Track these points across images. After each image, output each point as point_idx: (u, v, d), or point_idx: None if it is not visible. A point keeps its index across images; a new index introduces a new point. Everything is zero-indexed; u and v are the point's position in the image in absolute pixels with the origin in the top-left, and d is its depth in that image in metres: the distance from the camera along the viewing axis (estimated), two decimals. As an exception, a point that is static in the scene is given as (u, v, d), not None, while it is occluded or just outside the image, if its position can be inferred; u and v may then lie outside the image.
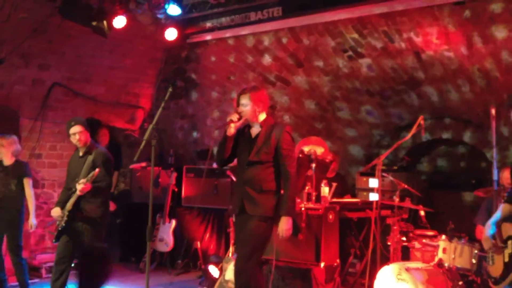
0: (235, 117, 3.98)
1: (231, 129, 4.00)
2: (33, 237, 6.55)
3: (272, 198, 3.95)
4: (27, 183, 5.39)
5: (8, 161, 5.36)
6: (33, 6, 5.68)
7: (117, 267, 6.94)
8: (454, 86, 6.03)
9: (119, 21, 5.92)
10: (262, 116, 4.09)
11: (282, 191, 3.98)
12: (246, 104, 4.01)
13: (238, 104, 4.05)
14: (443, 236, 4.78)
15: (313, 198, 5.14)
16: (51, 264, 5.58)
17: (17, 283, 5.38)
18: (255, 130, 4.10)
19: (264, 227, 3.92)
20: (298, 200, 5.13)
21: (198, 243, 6.74)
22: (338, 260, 5.08)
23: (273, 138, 3.98)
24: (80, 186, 4.50)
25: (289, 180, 3.92)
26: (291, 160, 3.98)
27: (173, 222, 6.64)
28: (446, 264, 4.62)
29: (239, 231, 4.09)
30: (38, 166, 6.54)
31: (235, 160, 4.25)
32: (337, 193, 5.51)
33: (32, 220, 5.41)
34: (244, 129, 4.16)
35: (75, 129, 4.68)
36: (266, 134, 4.01)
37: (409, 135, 5.27)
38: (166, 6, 6.04)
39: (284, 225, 3.91)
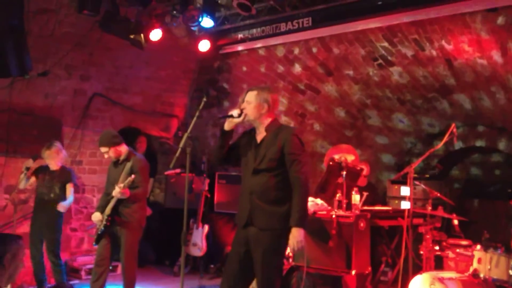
0: (235, 112, 3.62)
1: (229, 124, 3.64)
2: (74, 240, 6.66)
3: (285, 208, 3.52)
4: (69, 188, 5.52)
5: (54, 166, 5.53)
6: (75, 21, 5.85)
7: (151, 270, 7.01)
8: (488, 93, 5.86)
9: (155, 34, 6.04)
10: (268, 120, 3.67)
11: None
12: (251, 101, 3.63)
13: (243, 100, 3.69)
14: (478, 246, 4.59)
15: (344, 205, 5.05)
16: (90, 266, 5.70)
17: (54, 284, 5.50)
18: (260, 135, 3.69)
19: (280, 242, 3.52)
20: (329, 208, 5.06)
21: (230, 248, 6.72)
22: (369, 268, 4.97)
23: (279, 143, 3.55)
24: (118, 191, 4.61)
25: (299, 187, 3.49)
26: (301, 165, 3.52)
27: (206, 227, 6.66)
28: (481, 275, 4.43)
29: (242, 245, 3.61)
30: (79, 172, 6.66)
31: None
32: (367, 202, 5.41)
33: (63, 204, 5.48)
34: (250, 133, 3.76)
35: (102, 149, 4.90)
36: (271, 139, 3.60)
37: (441, 143, 5.16)
38: (200, 19, 6.08)
39: (296, 237, 3.45)
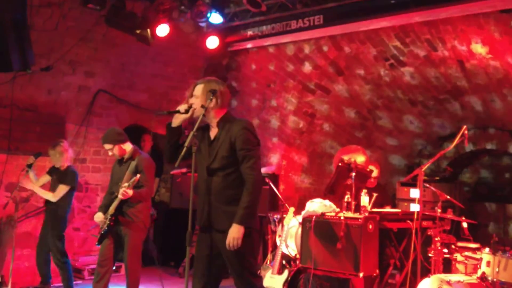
0: (182, 108, 3.46)
1: (176, 120, 3.48)
2: (76, 240, 6.69)
3: None
4: (60, 188, 5.41)
5: (60, 166, 5.52)
6: (80, 16, 5.87)
7: (155, 271, 7.05)
8: (499, 96, 5.90)
9: (162, 30, 6.02)
10: (220, 114, 3.50)
11: None
12: (198, 95, 3.48)
13: (191, 95, 3.53)
14: (487, 249, 4.65)
15: (353, 207, 5.10)
16: (93, 266, 5.64)
17: (61, 284, 5.53)
18: (213, 130, 3.54)
19: (247, 242, 3.39)
20: (337, 209, 5.11)
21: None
22: (377, 271, 5.01)
23: (229, 139, 3.41)
24: (122, 191, 4.60)
25: (248, 184, 3.36)
26: (252, 161, 3.39)
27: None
28: (489, 278, 4.49)
29: (205, 248, 3.54)
30: (82, 170, 6.66)
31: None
32: (377, 204, 5.46)
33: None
34: (204, 129, 3.60)
35: (106, 147, 4.88)
36: (223, 135, 3.45)
37: (452, 145, 5.19)
38: (208, 15, 6.11)
39: (234, 234, 3.32)
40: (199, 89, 3.50)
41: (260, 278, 3.70)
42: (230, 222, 3.37)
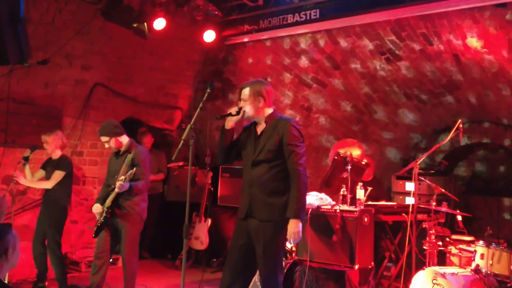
0: (234, 110, 3.71)
1: (229, 122, 3.73)
2: (73, 233, 6.70)
3: (284, 199, 3.62)
4: (56, 175, 5.40)
5: (54, 155, 5.52)
6: (77, 9, 5.86)
7: (153, 263, 7.09)
8: (494, 90, 5.92)
9: (159, 23, 6.03)
10: (267, 112, 3.77)
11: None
12: (246, 99, 3.72)
13: (239, 99, 3.77)
14: (481, 242, 4.69)
15: (348, 200, 5.13)
16: (91, 259, 5.66)
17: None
18: (260, 127, 3.79)
19: (280, 234, 3.62)
20: (333, 202, 5.14)
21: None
22: (372, 263, 5.05)
23: (277, 134, 3.65)
24: (119, 184, 4.62)
25: (297, 178, 3.58)
26: (299, 157, 3.61)
27: (209, 221, 6.72)
28: (483, 270, 4.53)
29: (243, 237, 3.71)
30: (79, 163, 6.69)
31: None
32: (372, 197, 5.49)
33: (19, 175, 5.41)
34: (251, 127, 3.86)
35: (103, 139, 4.90)
36: (270, 131, 3.69)
37: (447, 139, 5.22)
38: (205, 8, 6.13)
39: (293, 228, 3.55)
40: (245, 92, 3.73)
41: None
42: (271, 212, 3.60)
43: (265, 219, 3.62)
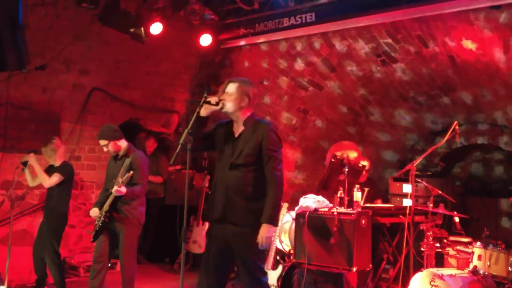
0: (213, 100, 3.55)
1: (205, 110, 3.56)
2: (72, 237, 6.67)
3: (261, 204, 3.53)
4: (53, 176, 5.35)
5: (55, 163, 5.50)
6: (74, 14, 5.85)
7: (151, 267, 7.06)
8: (490, 91, 5.92)
9: (156, 28, 6.02)
10: (246, 114, 3.67)
11: None
12: (231, 93, 3.61)
13: (223, 91, 3.65)
14: (478, 243, 4.68)
15: (346, 203, 5.11)
16: (89, 263, 5.64)
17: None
18: (238, 128, 3.69)
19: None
20: (331, 205, 5.12)
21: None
22: (370, 265, 5.02)
23: (256, 138, 3.57)
24: (116, 188, 4.62)
25: (274, 184, 3.52)
26: (277, 162, 3.56)
27: (206, 225, 6.68)
28: (481, 272, 4.52)
29: (219, 241, 3.64)
30: (77, 168, 6.64)
31: None
32: (368, 198, 5.48)
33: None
34: (227, 126, 3.75)
35: (101, 142, 4.90)
36: (249, 134, 3.61)
37: (443, 140, 5.22)
38: (201, 12, 6.11)
39: (265, 233, 3.47)
40: (233, 87, 3.63)
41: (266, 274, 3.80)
42: (249, 217, 3.52)
43: (242, 224, 3.54)
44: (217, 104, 3.56)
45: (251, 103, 3.68)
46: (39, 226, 5.56)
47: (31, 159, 5.41)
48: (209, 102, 3.55)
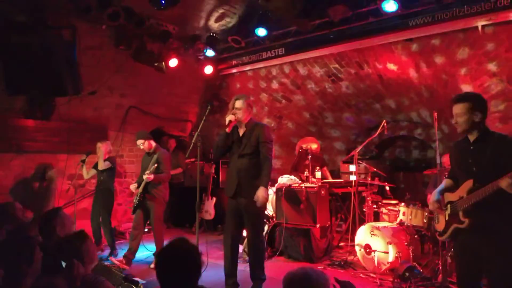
0: (232, 117, 3.60)
1: (228, 128, 3.64)
2: (119, 211, 6.61)
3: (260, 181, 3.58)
4: (107, 163, 5.21)
5: (103, 157, 5.37)
6: (114, 54, 5.80)
7: (175, 230, 7.02)
8: (408, 98, 5.95)
9: (173, 62, 6.05)
10: (247, 119, 3.71)
11: None
12: (240, 107, 3.63)
13: (233, 107, 3.66)
14: (403, 204, 4.71)
15: (310, 179, 5.12)
16: None
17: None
18: (241, 130, 3.72)
19: (261, 207, 3.64)
20: (300, 181, 5.12)
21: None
22: (329, 222, 5.05)
23: (255, 134, 3.64)
24: (146, 176, 4.62)
25: (267, 162, 3.59)
26: (269, 149, 3.62)
27: (214, 199, 6.66)
28: (405, 223, 4.55)
29: (234, 211, 3.69)
30: (122, 163, 6.61)
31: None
32: (320, 166, 5.43)
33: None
34: (234, 130, 3.75)
35: (138, 142, 4.83)
36: (250, 133, 3.66)
37: (376, 134, 5.23)
38: (205, 50, 6.18)
39: (262, 193, 3.50)
40: (240, 102, 3.65)
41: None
42: (254, 190, 3.52)
43: (250, 196, 3.56)
44: (235, 120, 3.60)
45: (252, 110, 3.76)
46: (92, 203, 5.48)
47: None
48: (230, 121, 3.59)
